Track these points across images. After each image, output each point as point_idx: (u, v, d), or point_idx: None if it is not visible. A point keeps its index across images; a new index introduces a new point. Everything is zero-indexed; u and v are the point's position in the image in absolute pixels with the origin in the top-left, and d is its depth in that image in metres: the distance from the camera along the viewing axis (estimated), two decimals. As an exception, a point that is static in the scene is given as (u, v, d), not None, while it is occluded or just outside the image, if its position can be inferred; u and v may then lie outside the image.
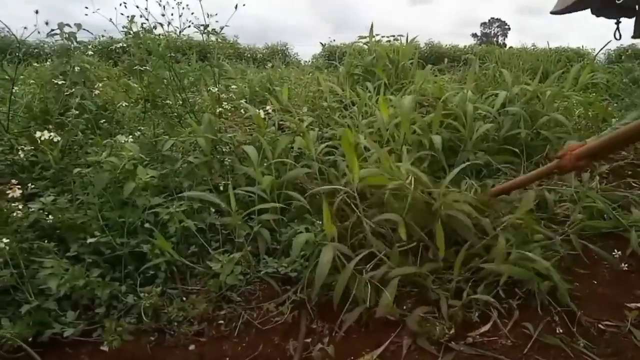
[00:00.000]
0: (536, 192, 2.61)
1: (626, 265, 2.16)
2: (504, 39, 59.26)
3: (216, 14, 3.06)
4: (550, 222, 2.50)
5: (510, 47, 12.11)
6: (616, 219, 2.47)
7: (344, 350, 1.72)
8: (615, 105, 4.82)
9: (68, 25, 2.82)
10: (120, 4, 2.88)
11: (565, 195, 2.75)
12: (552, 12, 1.71)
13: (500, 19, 64.10)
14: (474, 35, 60.76)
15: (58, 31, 2.76)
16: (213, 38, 3.21)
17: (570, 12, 1.66)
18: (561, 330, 1.76)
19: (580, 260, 2.23)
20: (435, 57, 13.50)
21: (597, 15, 1.66)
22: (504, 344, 1.73)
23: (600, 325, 1.81)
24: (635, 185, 3.05)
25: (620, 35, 1.67)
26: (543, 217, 2.51)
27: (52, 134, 2.15)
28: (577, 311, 1.84)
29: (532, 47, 10.38)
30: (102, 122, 3.01)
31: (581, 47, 12.61)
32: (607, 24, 1.69)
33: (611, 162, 3.34)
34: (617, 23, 1.68)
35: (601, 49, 5.61)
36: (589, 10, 1.69)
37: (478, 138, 3.06)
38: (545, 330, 1.78)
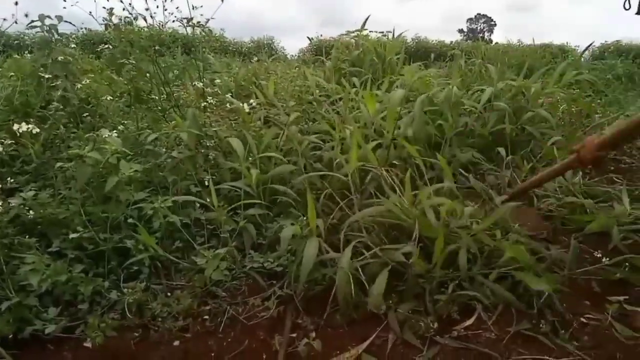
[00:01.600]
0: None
1: (608, 259, 2.19)
2: (490, 35, 59.64)
3: (201, 6, 3.03)
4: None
5: (496, 43, 12.18)
6: (598, 214, 2.50)
7: (330, 344, 1.72)
8: (599, 101, 4.87)
9: (49, 17, 2.77)
10: (101, -5, 2.83)
11: (549, 190, 2.79)
12: (637, 13, 1.62)
13: (486, 15, 64.52)
14: (461, 31, 61.10)
15: (38, 23, 2.70)
16: (197, 31, 3.18)
17: None
18: (544, 324, 1.78)
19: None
20: (422, 52, 13.51)
21: None
22: (488, 337, 1.75)
23: (582, 319, 1.83)
24: (617, 180, 3.09)
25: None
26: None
27: (30, 125, 2.10)
28: (560, 305, 1.87)
29: (518, 43, 10.45)
30: (84, 115, 2.96)
31: (565, 44, 12.77)
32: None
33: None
34: None
35: (586, 48, 5.69)
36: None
37: (464, 134, 3.07)
38: (528, 323, 1.79)
